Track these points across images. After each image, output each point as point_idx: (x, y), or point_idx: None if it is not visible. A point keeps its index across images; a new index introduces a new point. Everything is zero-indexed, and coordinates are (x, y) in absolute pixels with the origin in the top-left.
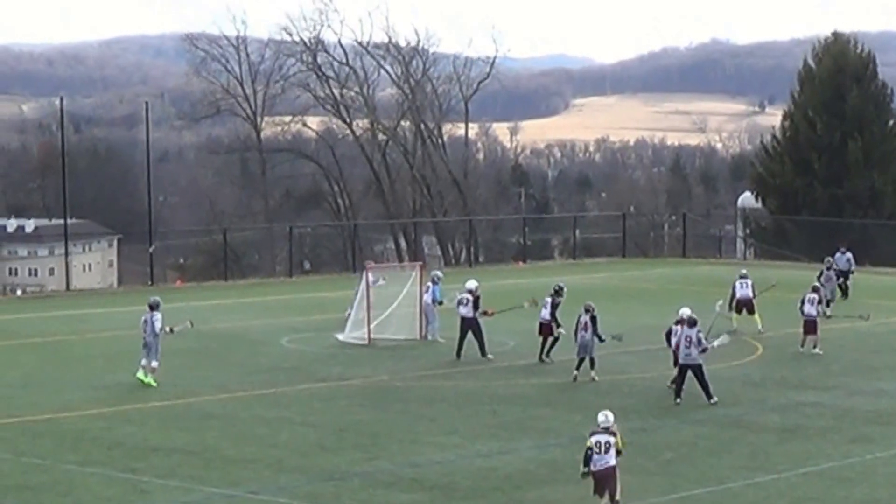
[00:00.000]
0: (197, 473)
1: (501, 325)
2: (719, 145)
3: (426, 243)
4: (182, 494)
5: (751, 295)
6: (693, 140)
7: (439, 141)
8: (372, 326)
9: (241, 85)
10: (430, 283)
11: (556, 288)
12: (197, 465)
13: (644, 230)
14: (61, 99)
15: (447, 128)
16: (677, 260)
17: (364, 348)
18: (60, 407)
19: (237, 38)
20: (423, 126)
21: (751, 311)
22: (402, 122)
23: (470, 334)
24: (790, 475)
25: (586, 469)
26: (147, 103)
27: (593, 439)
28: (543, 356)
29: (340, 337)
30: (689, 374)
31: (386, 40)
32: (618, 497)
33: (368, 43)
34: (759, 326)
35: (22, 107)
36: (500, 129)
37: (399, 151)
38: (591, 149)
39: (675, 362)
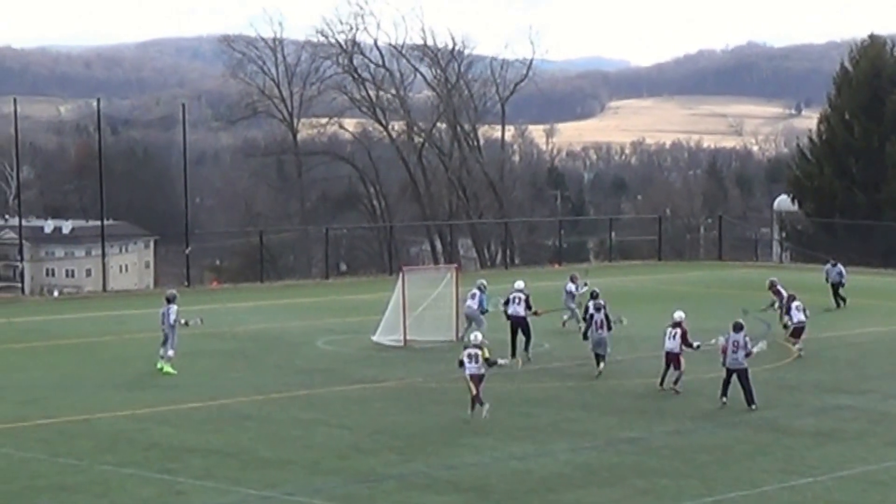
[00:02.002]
0: (233, 475)
1: (536, 327)
2: (755, 148)
3: (462, 245)
4: (218, 496)
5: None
6: (729, 143)
7: (475, 143)
8: (406, 326)
9: (278, 87)
10: (476, 291)
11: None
12: (233, 467)
13: (680, 233)
14: (98, 101)
15: (483, 130)
16: (713, 263)
17: (399, 350)
18: (97, 408)
19: (274, 39)
20: (459, 128)
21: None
22: (439, 124)
23: (520, 332)
24: (826, 479)
25: (466, 374)
26: (184, 105)
27: (466, 352)
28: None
29: (376, 339)
30: (735, 377)
31: (421, 42)
32: (480, 395)
33: (404, 45)
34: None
35: (59, 108)
36: (537, 132)
37: (435, 153)
38: (627, 151)
39: (723, 363)
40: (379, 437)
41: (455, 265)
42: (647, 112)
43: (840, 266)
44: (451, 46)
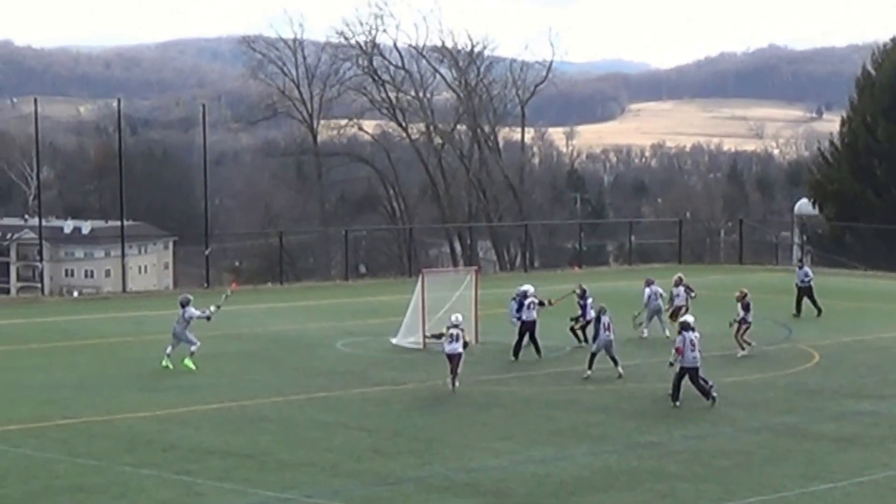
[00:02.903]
0: (252, 476)
1: (558, 329)
2: (776, 151)
3: (481, 248)
4: (237, 497)
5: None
6: (750, 146)
7: (495, 145)
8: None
9: (298, 88)
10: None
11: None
12: (252, 469)
13: (700, 236)
14: (118, 101)
15: (503, 132)
16: (734, 266)
17: (419, 353)
18: (116, 408)
19: (294, 40)
20: (479, 130)
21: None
22: (458, 126)
23: (527, 337)
24: (846, 484)
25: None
26: (204, 106)
27: (449, 332)
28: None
29: (395, 341)
30: (687, 377)
31: (441, 44)
32: (459, 371)
33: (424, 47)
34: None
35: (79, 109)
36: (557, 134)
37: (455, 155)
38: (648, 154)
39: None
40: (398, 439)
41: (475, 267)
42: (668, 115)
43: (806, 268)
44: (470, 48)
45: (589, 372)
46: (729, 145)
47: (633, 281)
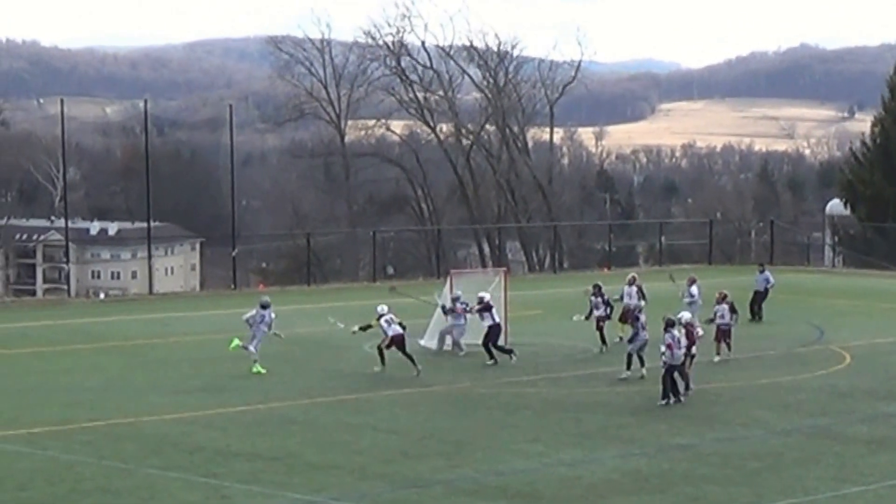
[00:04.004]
0: (279, 479)
1: (587, 331)
2: (807, 151)
3: (510, 249)
4: (264, 500)
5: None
6: (781, 146)
7: (524, 145)
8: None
9: (325, 88)
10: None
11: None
12: (279, 471)
13: (731, 237)
14: (145, 102)
15: (532, 132)
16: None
17: (447, 354)
18: (142, 411)
19: (321, 41)
20: (507, 130)
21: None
22: (487, 127)
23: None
24: (878, 487)
25: (385, 337)
26: (231, 106)
27: (383, 319)
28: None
29: (423, 343)
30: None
31: (469, 44)
32: (409, 351)
33: (451, 47)
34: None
35: (106, 109)
36: (586, 134)
37: (483, 156)
38: (678, 154)
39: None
40: (427, 441)
41: (504, 269)
42: (698, 114)
43: (767, 273)
44: (499, 48)
45: (627, 373)
46: (760, 145)
47: (664, 282)
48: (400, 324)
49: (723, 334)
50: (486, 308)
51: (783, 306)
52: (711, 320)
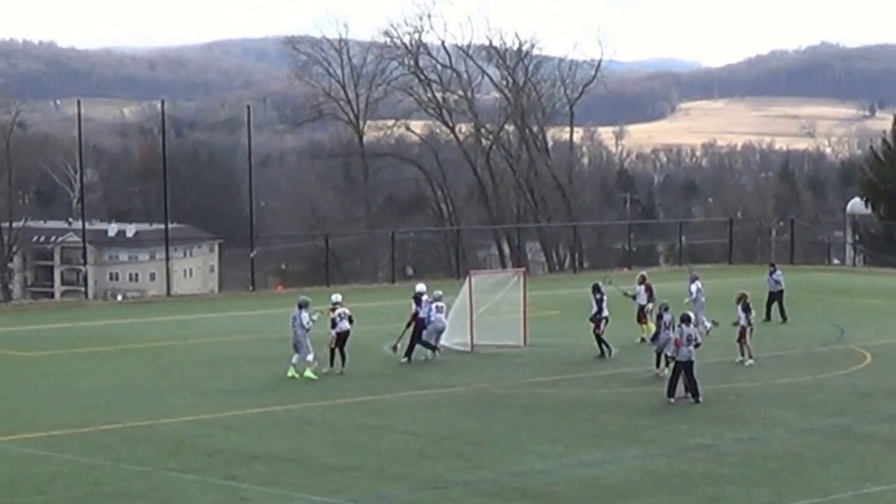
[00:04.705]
0: (297, 481)
1: (608, 333)
2: (828, 150)
3: (530, 249)
4: (282, 502)
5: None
6: (801, 145)
7: (543, 145)
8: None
9: (344, 88)
10: (442, 304)
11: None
12: (297, 473)
13: (751, 236)
14: (163, 102)
15: (552, 132)
16: (785, 266)
17: (466, 355)
18: (161, 413)
19: (339, 41)
20: (527, 130)
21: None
22: (506, 126)
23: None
24: None
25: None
26: (249, 107)
27: (337, 310)
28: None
29: (442, 343)
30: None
31: (488, 43)
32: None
33: (470, 46)
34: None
35: (123, 110)
36: (606, 134)
37: (503, 156)
38: (698, 153)
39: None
40: (445, 443)
41: (522, 269)
42: (719, 113)
43: (778, 273)
44: (518, 47)
45: (658, 369)
46: (780, 144)
47: (684, 282)
48: (349, 318)
49: (740, 335)
50: (416, 300)
51: (803, 305)
52: (736, 323)
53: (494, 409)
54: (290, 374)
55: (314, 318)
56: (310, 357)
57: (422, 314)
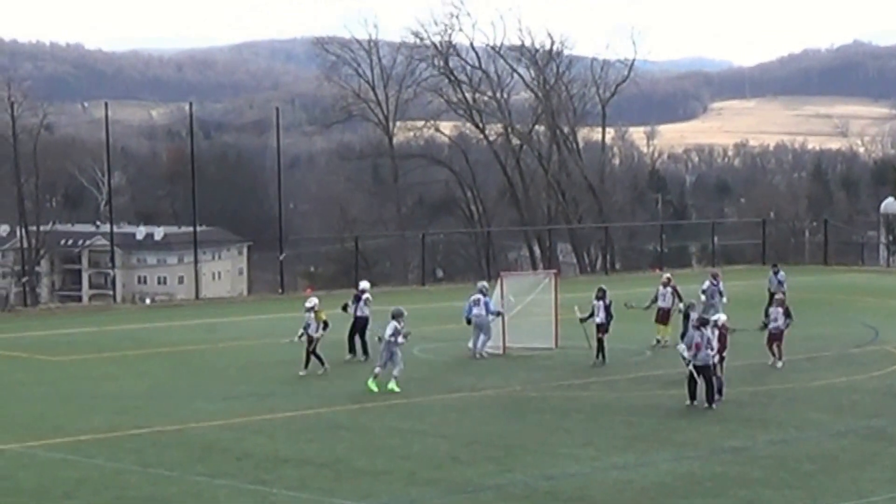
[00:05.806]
0: (328, 485)
1: (640, 335)
2: (861, 149)
3: (561, 251)
4: None
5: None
6: (834, 144)
7: (574, 146)
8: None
9: (373, 89)
10: (479, 296)
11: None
12: (328, 477)
13: (784, 237)
14: (191, 104)
15: (583, 132)
16: (818, 267)
17: (497, 358)
18: (189, 417)
19: (368, 41)
20: (558, 131)
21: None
22: (537, 127)
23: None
24: None
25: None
26: (277, 109)
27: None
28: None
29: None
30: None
31: (519, 43)
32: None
33: (501, 46)
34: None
35: (151, 112)
36: (637, 134)
37: (533, 157)
38: (730, 153)
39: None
40: (477, 446)
41: (554, 270)
42: (751, 113)
43: (782, 273)
44: (549, 47)
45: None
46: (813, 144)
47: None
48: (325, 322)
49: (774, 338)
50: (356, 298)
51: (837, 307)
52: (766, 325)
53: (526, 413)
54: (368, 384)
55: (404, 336)
56: (395, 371)
57: (359, 313)
